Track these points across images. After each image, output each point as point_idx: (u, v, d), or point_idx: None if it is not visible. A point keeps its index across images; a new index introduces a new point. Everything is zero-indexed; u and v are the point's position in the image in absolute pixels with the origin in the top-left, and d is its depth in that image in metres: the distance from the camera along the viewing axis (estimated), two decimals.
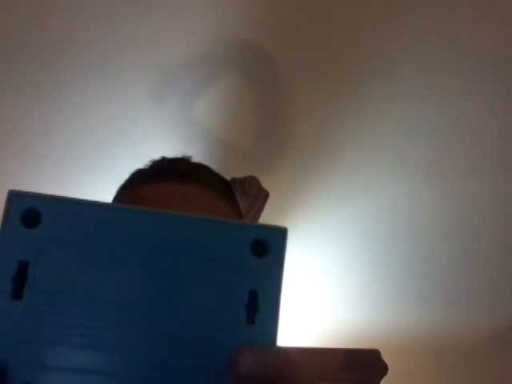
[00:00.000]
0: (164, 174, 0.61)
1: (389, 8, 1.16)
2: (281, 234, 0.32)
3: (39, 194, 0.31)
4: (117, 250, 0.31)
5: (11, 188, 0.31)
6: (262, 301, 0.31)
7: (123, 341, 0.30)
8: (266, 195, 1.33)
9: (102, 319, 0.30)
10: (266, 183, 1.33)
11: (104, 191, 1.32)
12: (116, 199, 0.63)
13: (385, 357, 1.36)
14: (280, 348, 0.30)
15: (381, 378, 1.32)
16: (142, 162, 1.43)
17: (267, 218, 1.42)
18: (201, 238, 0.31)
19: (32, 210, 0.30)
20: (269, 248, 0.32)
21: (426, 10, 1.15)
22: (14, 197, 0.30)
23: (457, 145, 1.39)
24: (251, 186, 1.30)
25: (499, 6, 1.13)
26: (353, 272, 1.70)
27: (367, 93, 1.29)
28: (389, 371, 1.32)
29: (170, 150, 1.36)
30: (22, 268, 0.30)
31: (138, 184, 0.62)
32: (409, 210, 1.53)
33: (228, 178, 1.30)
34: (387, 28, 1.19)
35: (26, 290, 0.30)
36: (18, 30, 1.20)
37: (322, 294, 1.76)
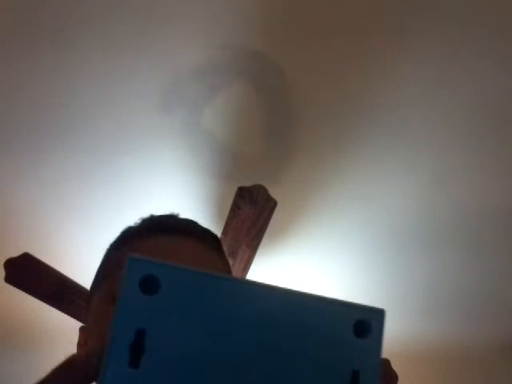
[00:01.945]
0: (157, 229, 0.63)
1: (393, 20, 1.16)
2: (380, 315, 0.33)
3: (157, 260, 0.31)
4: (228, 321, 0.31)
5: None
6: (362, 381, 0.31)
7: None
8: (274, 204, 1.33)
9: None
10: (273, 192, 1.33)
11: (109, 200, 1.33)
12: (106, 257, 0.65)
13: (394, 366, 1.35)
14: None
15: None
16: (149, 170, 1.42)
17: (275, 226, 1.42)
18: (306, 314, 0.31)
19: (151, 277, 0.30)
20: (370, 329, 0.32)
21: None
22: (133, 262, 0.30)
23: (464, 149, 1.39)
24: (259, 194, 1.30)
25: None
26: (361, 279, 1.69)
27: (373, 101, 1.29)
28: (399, 380, 1.32)
29: (177, 158, 1.37)
30: (140, 336, 0.29)
31: (132, 240, 0.63)
32: (418, 217, 1.53)
33: (236, 187, 1.30)
34: (391, 38, 1.19)
35: (143, 359, 0.29)
36: (30, 33, 1.22)
37: None
